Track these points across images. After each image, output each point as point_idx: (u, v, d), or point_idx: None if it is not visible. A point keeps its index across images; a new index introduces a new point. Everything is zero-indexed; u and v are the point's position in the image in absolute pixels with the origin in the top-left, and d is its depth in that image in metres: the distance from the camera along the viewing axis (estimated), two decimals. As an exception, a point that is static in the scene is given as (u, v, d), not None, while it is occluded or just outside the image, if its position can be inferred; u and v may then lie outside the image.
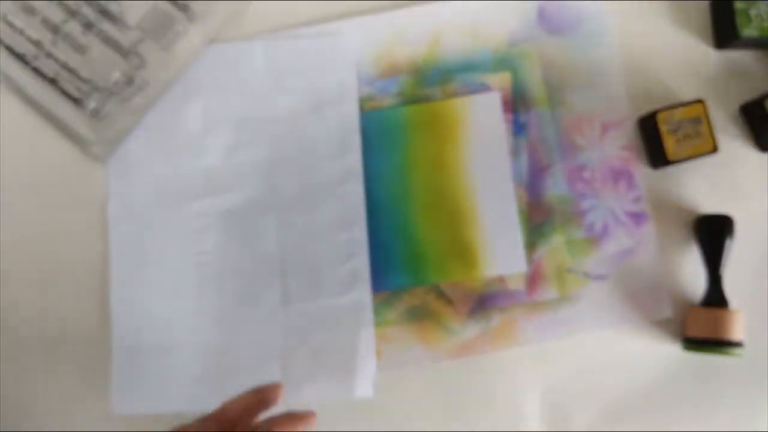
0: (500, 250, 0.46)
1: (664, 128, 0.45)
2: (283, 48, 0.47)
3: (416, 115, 0.47)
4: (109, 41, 0.46)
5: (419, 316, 0.46)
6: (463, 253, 0.46)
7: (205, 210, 0.46)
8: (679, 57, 0.48)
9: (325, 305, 0.45)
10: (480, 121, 0.47)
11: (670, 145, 0.45)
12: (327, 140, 0.46)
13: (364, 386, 0.45)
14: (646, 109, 0.47)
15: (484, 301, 0.46)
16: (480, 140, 0.47)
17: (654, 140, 0.45)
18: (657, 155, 0.46)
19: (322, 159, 0.46)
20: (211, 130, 0.47)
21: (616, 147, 0.47)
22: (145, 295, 0.46)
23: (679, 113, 0.45)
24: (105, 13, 0.46)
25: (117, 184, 0.46)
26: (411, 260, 0.46)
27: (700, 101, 0.45)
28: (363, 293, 0.46)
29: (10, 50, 0.46)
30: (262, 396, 0.38)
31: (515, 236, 0.46)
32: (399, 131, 0.47)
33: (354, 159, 0.46)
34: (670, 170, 0.47)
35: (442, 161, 0.47)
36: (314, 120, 0.47)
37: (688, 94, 0.47)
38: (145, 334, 0.45)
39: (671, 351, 0.47)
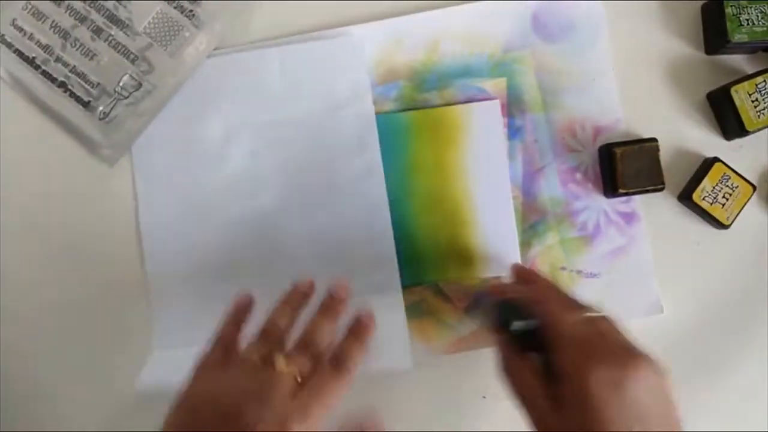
0: (497, 252, 0.47)
1: (619, 162, 0.46)
2: (297, 52, 0.48)
3: (419, 120, 0.48)
4: (117, 46, 0.46)
5: (418, 312, 0.47)
6: (461, 254, 0.47)
7: (231, 217, 0.47)
8: (670, 61, 0.49)
9: (356, 300, 0.45)
10: (480, 128, 0.48)
11: (619, 177, 0.46)
12: (346, 139, 0.47)
13: (403, 358, 0.45)
14: (639, 111, 0.48)
15: (481, 298, 0.47)
16: (480, 146, 0.48)
17: (609, 170, 0.47)
18: (611, 186, 0.47)
19: (342, 158, 0.47)
20: (232, 138, 0.48)
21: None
22: (181, 304, 0.47)
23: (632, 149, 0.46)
24: (114, 19, 0.46)
25: (145, 197, 0.47)
26: (410, 260, 0.47)
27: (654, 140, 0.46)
28: (392, 279, 0.46)
29: (20, 54, 0.46)
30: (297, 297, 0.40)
31: (512, 240, 0.47)
32: (401, 135, 0.48)
33: (373, 155, 0.47)
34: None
35: (443, 165, 0.48)
36: (332, 121, 0.47)
37: (679, 98, 0.48)
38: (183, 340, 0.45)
39: (664, 347, 0.47)
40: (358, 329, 0.39)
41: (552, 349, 0.36)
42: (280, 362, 0.36)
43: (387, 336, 0.45)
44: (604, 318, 0.37)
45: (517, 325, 0.38)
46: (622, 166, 0.46)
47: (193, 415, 0.34)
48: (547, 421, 0.36)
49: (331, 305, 0.39)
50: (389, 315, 0.46)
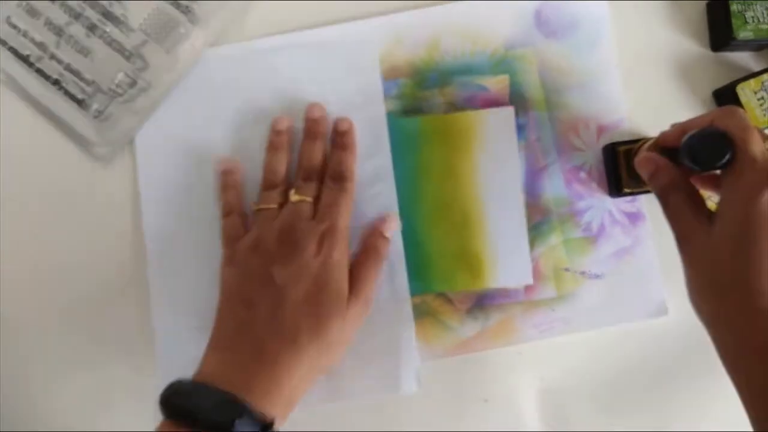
0: (507, 262, 0.47)
1: (623, 161, 0.46)
2: (308, 54, 0.47)
3: (429, 125, 0.47)
4: (112, 43, 0.46)
5: (419, 313, 0.47)
6: (469, 263, 0.47)
7: None
8: (675, 59, 0.48)
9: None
10: (493, 135, 0.47)
11: (624, 177, 0.46)
12: (357, 142, 0.46)
13: (408, 383, 0.46)
14: (644, 109, 0.47)
15: (483, 300, 0.47)
16: (492, 154, 0.47)
17: (613, 170, 0.46)
18: (615, 186, 0.46)
19: None
20: (240, 140, 0.47)
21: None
22: (184, 309, 0.46)
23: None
24: (109, 16, 0.46)
25: (148, 198, 0.46)
26: (418, 268, 0.47)
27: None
28: (401, 290, 0.46)
29: (14, 52, 0.46)
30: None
31: (523, 250, 0.47)
32: (412, 140, 0.47)
33: (384, 159, 0.46)
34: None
35: (453, 172, 0.47)
36: None
37: (684, 96, 0.48)
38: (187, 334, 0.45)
39: (669, 348, 0.47)
40: (342, 138, 0.45)
41: (732, 169, 0.34)
42: (293, 196, 0.43)
43: (393, 358, 0.46)
44: None
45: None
46: (626, 166, 0.45)
47: (243, 274, 0.41)
48: (697, 236, 0.35)
49: (312, 128, 0.45)
50: (397, 332, 0.46)
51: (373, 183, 0.46)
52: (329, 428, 0.46)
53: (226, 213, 0.45)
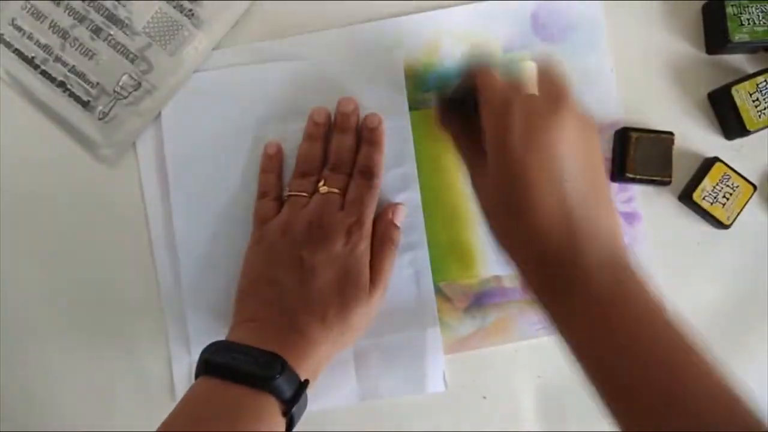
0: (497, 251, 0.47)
1: (632, 147, 0.47)
2: (335, 63, 0.47)
3: (419, 120, 0.47)
4: (117, 46, 0.46)
5: (418, 312, 0.47)
6: (461, 254, 0.47)
7: None
8: (671, 61, 0.49)
9: (392, 308, 0.46)
10: None
11: (630, 161, 0.46)
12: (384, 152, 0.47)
13: (435, 382, 0.46)
14: (640, 111, 0.48)
15: (481, 299, 0.47)
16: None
17: (621, 153, 0.47)
18: (620, 169, 0.47)
19: None
20: (247, 141, 0.47)
21: (609, 149, 0.48)
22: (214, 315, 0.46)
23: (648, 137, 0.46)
24: (113, 19, 0.46)
25: (180, 208, 0.46)
26: (411, 260, 0.47)
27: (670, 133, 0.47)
28: (426, 292, 0.47)
29: (19, 54, 0.46)
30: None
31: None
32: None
33: (410, 167, 0.47)
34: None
35: (443, 165, 0.48)
36: None
37: (679, 98, 0.48)
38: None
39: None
40: (371, 134, 0.45)
41: (482, 115, 0.38)
42: (322, 187, 0.44)
43: (420, 358, 0.46)
44: (545, 69, 0.38)
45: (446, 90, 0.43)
46: (635, 151, 0.46)
47: (271, 255, 0.42)
48: (478, 173, 0.40)
49: (343, 122, 0.45)
50: (423, 333, 0.46)
51: (397, 192, 0.47)
52: (329, 428, 0.47)
53: (262, 194, 0.46)
